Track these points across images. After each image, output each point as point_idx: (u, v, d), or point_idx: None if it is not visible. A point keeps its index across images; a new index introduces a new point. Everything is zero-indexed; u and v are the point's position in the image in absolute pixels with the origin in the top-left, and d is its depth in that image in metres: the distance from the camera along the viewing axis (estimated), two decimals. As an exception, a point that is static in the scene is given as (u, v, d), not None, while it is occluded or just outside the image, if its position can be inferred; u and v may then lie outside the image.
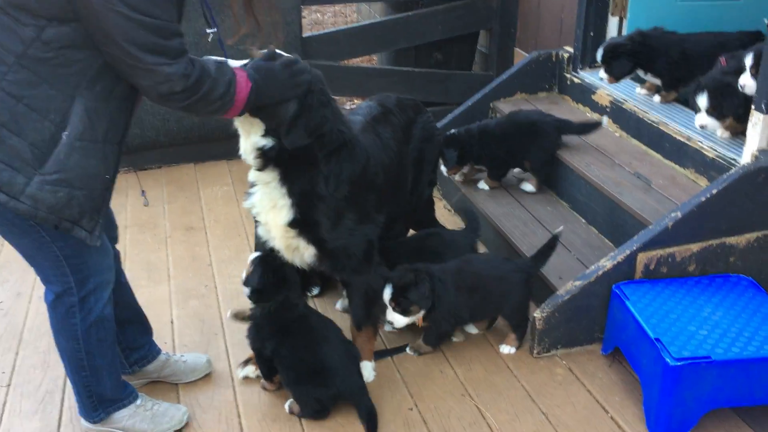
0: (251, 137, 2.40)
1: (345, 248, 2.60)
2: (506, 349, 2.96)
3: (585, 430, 2.56)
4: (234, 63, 2.24)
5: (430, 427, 2.59)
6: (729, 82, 3.06)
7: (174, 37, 2.00)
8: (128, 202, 4.29)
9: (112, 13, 1.88)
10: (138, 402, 2.56)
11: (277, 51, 2.38)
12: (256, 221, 2.68)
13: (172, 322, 3.21)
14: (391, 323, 2.77)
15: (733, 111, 3.09)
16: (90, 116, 2.03)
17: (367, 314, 2.78)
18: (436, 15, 4.95)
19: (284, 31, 4.59)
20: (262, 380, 2.78)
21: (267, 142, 2.38)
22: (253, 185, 2.58)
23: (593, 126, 3.73)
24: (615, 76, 3.72)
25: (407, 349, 2.95)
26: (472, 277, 2.86)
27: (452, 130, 3.74)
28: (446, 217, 4.07)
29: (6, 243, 3.91)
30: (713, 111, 3.11)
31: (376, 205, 2.71)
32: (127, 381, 2.60)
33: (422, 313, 2.75)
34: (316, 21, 8.03)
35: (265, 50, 2.36)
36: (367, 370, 2.81)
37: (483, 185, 3.88)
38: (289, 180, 2.47)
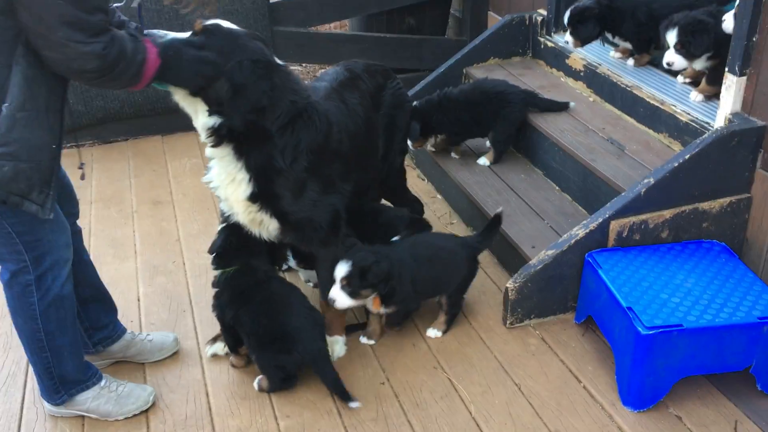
0: (199, 117, 2.32)
1: (309, 220, 2.53)
2: (433, 332, 2.86)
3: (558, 401, 2.54)
4: (156, 33, 2.18)
5: (402, 400, 2.56)
6: (701, 20, 3.02)
7: (96, 11, 1.88)
8: (93, 176, 4.17)
9: None
10: (102, 383, 2.50)
11: (220, 22, 2.28)
12: (217, 196, 2.60)
13: (138, 300, 3.14)
14: (333, 300, 2.57)
15: (702, 50, 3.04)
16: (29, 85, 1.93)
17: None
18: (407, -22, 4.82)
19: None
20: (231, 356, 2.73)
21: (215, 121, 2.30)
22: (210, 160, 2.50)
23: (561, 107, 3.65)
24: (581, 40, 3.66)
25: (361, 338, 2.86)
26: (429, 249, 2.78)
27: (414, 102, 3.64)
28: (420, 186, 4.01)
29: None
30: (681, 48, 3.07)
31: (342, 173, 2.62)
32: (90, 362, 2.54)
33: (372, 296, 2.62)
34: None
35: (209, 21, 2.26)
36: (339, 344, 2.77)
37: (453, 155, 3.80)
38: (244, 154, 2.39)
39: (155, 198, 3.99)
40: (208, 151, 2.44)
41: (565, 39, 3.73)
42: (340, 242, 2.67)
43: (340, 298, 2.55)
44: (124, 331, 2.72)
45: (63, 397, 2.45)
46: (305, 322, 2.54)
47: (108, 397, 2.48)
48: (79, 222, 2.56)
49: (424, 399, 2.56)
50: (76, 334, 2.42)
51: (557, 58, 4.05)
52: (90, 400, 2.46)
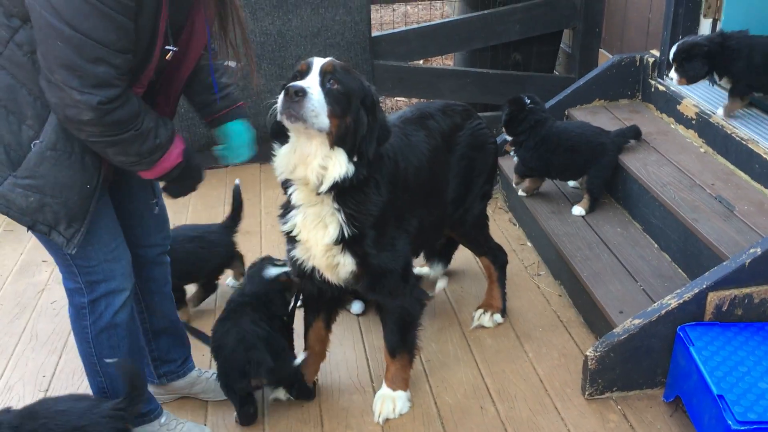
0: (334, 169, 2.21)
1: (387, 262, 2.43)
2: None
3: (634, 489, 2.30)
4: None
5: (462, 470, 2.41)
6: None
7: (100, 63, 1.78)
8: (190, 201, 4.29)
9: (36, 12, 1.76)
10: (162, 420, 2.49)
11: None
12: (291, 242, 2.52)
13: (214, 332, 3.16)
14: None
15: None
16: (65, 128, 1.93)
17: (402, 340, 2.61)
18: (515, 13, 4.67)
19: (352, 31, 4.45)
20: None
21: (352, 168, 2.22)
22: (294, 207, 2.40)
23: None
24: (687, 78, 3.38)
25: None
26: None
27: (522, 95, 3.59)
28: (511, 231, 3.83)
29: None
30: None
31: (410, 205, 2.53)
32: (154, 394, 2.54)
33: None
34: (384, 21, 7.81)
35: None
36: (401, 400, 2.64)
37: (578, 210, 3.52)
38: (343, 196, 2.31)
39: (245, 228, 4.00)
40: (298, 197, 2.34)
41: (669, 75, 3.46)
42: (408, 293, 2.56)
43: None
44: (192, 368, 2.73)
45: None
46: None
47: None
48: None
49: (487, 470, 2.40)
50: (135, 365, 2.43)
51: (668, 103, 3.77)
52: None
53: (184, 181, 2.21)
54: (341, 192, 2.29)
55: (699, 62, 3.28)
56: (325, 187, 2.23)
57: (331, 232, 2.36)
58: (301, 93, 2.10)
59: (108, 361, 2.28)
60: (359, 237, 2.38)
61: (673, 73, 3.41)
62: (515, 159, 3.65)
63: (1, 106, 1.91)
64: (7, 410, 2.20)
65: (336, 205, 2.32)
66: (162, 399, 2.61)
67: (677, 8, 3.72)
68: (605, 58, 4.68)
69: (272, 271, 2.72)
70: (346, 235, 2.36)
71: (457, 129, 2.82)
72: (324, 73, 2.19)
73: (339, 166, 2.22)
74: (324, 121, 2.15)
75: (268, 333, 2.58)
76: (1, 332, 3.18)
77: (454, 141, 2.79)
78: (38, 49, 1.82)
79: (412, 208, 2.56)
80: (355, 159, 2.24)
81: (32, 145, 1.94)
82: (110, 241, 2.21)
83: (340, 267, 2.45)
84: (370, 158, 2.26)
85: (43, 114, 1.93)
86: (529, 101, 3.53)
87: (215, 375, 2.74)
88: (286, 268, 2.68)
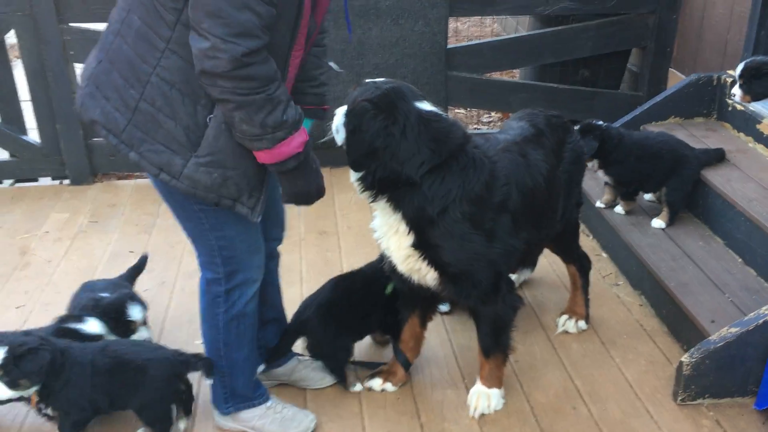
0: (350, 171, 2.40)
1: (468, 274, 2.48)
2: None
3: (733, 493, 2.34)
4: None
5: (560, 466, 2.46)
6: None
7: (245, 9, 1.81)
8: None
9: None
10: (268, 403, 2.59)
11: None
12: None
13: (301, 325, 3.25)
14: None
15: None
16: None
17: (496, 342, 2.67)
18: (587, 30, 4.75)
19: (429, 42, 4.57)
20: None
21: (358, 174, 2.37)
22: (374, 211, 2.54)
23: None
24: (753, 96, 3.46)
25: None
26: (113, 359, 2.45)
27: (593, 120, 3.57)
28: (584, 242, 3.86)
29: (154, 233, 4.13)
30: None
31: (510, 228, 2.52)
32: (259, 381, 2.64)
33: (33, 390, 2.35)
34: (455, 30, 7.97)
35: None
36: (496, 397, 2.71)
37: (619, 209, 3.69)
38: (399, 205, 2.40)
39: (321, 228, 4.14)
40: (370, 204, 2.46)
41: (733, 91, 3.54)
42: (500, 300, 2.60)
43: None
44: (293, 355, 2.82)
45: (230, 408, 2.56)
46: None
47: (273, 417, 2.56)
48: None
49: (584, 468, 2.46)
50: (252, 352, 2.53)
51: (747, 123, 3.82)
52: (256, 418, 2.56)
53: (297, 181, 2.16)
54: (397, 200, 2.39)
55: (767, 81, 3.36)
56: (357, 191, 2.41)
57: (404, 239, 2.46)
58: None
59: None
60: (430, 246, 2.44)
61: (737, 89, 3.52)
62: (604, 179, 3.71)
63: (175, 89, 2.01)
64: (28, 333, 2.45)
65: (397, 214, 2.41)
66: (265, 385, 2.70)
67: (759, 30, 3.79)
68: (674, 77, 4.76)
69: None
70: (419, 242, 2.43)
71: (562, 144, 2.86)
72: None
73: (353, 173, 2.39)
74: (339, 138, 2.40)
75: (347, 308, 2.76)
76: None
77: (561, 157, 2.83)
78: (189, 4, 1.87)
79: (516, 230, 2.54)
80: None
81: (207, 120, 2.02)
82: (254, 233, 2.32)
83: (422, 273, 2.52)
84: (360, 167, 2.34)
85: None
86: (598, 122, 3.57)
87: (313, 363, 2.84)
88: None
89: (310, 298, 2.85)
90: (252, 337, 2.49)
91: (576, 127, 3.39)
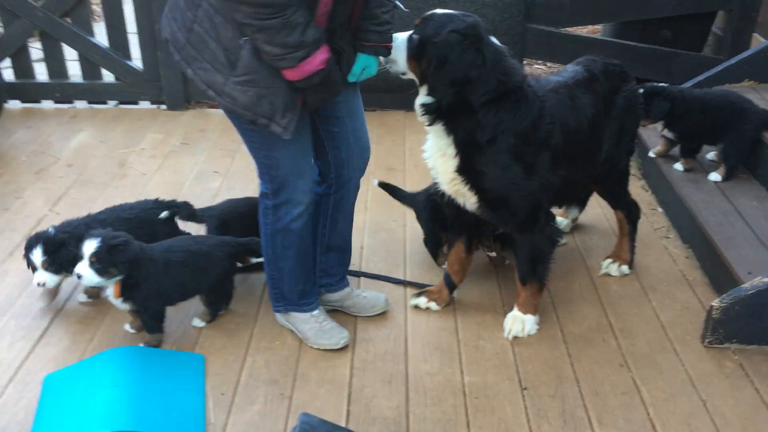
0: (419, 97, 2.62)
1: (507, 201, 2.69)
2: (197, 322, 2.94)
3: (744, 426, 2.49)
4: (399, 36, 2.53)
5: (582, 387, 2.66)
6: None
7: None
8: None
9: None
10: (314, 312, 2.86)
11: (437, 11, 2.58)
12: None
13: (362, 248, 3.53)
14: (79, 276, 2.60)
15: None
16: None
17: (532, 271, 2.88)
18: (671, -11, 4.75)
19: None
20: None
21: (428, 100, 2.58)
22: (428, 134, 2.77)
23: None
24: None
25: (126, 326, 2.90)
26: (181, 254, 2.81)
27: (661, 84, 3.66)
28: (642, 196, 3.99)
29: (237, 157, 4.46)
30: None
31: (549, 165, 2.71)
32: (309, 292, 2.86)
33: (117, 278, 2.64)
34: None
35: (429, 12, 2.56)
36: (530, 323, 2.92)
37: (678, 166, 3.78)
38: (453, 130, 2.62)
39: (390, 165, 4.39)
40: (424, 123, 2.68)
41: None
42: (538, 230, 2.80)
43: (87, 273, 2.59)
44: (347, 284, 3.05)
45: (279, 307, 2.88)
46: None
47: (312, 325, 2.83)
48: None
49: (605, 391, 2.65)
50: (300, 266, 2.77)
51: (821, 89, 3.80)
52: (299, 321, 2.85)
53: (322, 93, 2.40)
54: (452, 125, 2.61)
55: None
56: (418, 114, 2.63)
57: (450, 162, 2.68)
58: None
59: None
60: (475, 172, 2.66)
61: None
62: (662, 134, 3.80)
63: (219, 14, 2.24)
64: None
65: (449, 138, 2.64)
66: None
67: None
68: (758, 41, 4.69)
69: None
70: (463, 166, 2.65)
71: (616, 92, 2.99)
72: (415, 25, 2.57)
73: (419, 97, 2.62)
74: (400, 66, 2.61)
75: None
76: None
77: (612, 103, 2.97)
78: None
79: (555, 166, 2.73)
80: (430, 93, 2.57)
81: (242, 43, 2.25)
82: (300, 159, 2.58)
83: (465, 196, 2.75)
84: (433, 95, 2.54)
85: None
86: (658, 84, 3.65)
87: (364, 293, 3.08)
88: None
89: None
90: (299, 252, 2.74)
91: (640, 91, 3.46)
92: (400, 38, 2.59)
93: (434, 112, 2.61)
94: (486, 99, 2.55)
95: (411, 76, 2.64)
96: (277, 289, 2.85)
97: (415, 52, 2.57)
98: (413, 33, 2.59)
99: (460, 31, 2.51)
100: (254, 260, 3.03)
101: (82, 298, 3.10)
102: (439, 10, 2.61)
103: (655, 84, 3.66)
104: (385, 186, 3.55)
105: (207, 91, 2.39)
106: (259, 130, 2.44)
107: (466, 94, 2.54)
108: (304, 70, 2.26)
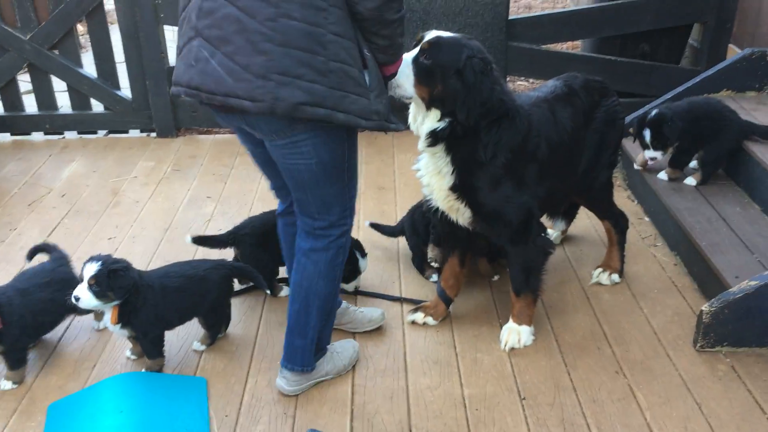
0: (426, 123, 2.65)
1: (500, 214, 2.76)
2: (198, 345, 2.97)
3: (738, 427, 2.55)
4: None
5: (579, 394, 2.72)
6: None
7: None
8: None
9: None
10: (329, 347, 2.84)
11: (440, 34, 2.61)
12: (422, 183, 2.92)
13: (356, 267, 3.59)
14: (77, 298, 2.59)
15: None
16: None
17: (526, 282, 2.94)
18: (648, 5, 4.86)
19: (491, 12, 4.79)
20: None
21: (441, 125, 2.63)
22: (421, 152, 2.82)
23: None
24: None
25: (128, 353, 2.94)
26: (178, 280, 2.83)
27: (652, 112, 3.73)
28: (628, 206, 4.07)
29: (229, 181, 4.48)
30: None
31: (536, 177, 2.81)
32: None
33: (114, 303, 2.65)
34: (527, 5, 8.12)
35: (429, 35, 2.59)
36: (526, 334, 2.98)
37: (663, 175, 3.87)
38: (453, 150, 2.69)
39: (380, 184, 4.46)
40: (421, 145, 2.72)
41: None
42: (530, 242, 2.87)
43: (85, 296, 2.58)
44: (341, 302, 3.06)
45: (311, 364, 2.68)
46: None
47: (327, 357, 2.78)
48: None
49: (602, 398, 2.70)
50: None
51: (797, 96, 3.92)
52: (324, 363, 2.75)
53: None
54: (451, 145, 2.67)
55: None
56: (421, 139, 2.67)
57: (446, 180, 2.75)
58: None
59: None
60: (471, 188, 2.73)
61: None
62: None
63: (346, 39, 2.18)
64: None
65: (447, 157, 2.70)
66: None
67: (815, 5, 3.86)
68: (733, 52, 4.82)
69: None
70: (459, 183, 2.72)
71: (596, 106, 3.09)
72: (422, 49, 2.58)
73: (428, 123, 2.63)
74: (407, 90, 2.58)
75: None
76: (178, 251, 3.71)
77: (592, 117, 3.07)
78: None
79: (541, 177, 2.83)
80: (447, 119, 2.60)
81: (368, 54, 2.25)
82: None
83: (459, 212, 2.83)
84: (463, 119, 2.58)
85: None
86: (654, 112, 3.72)
87: (360, 309, 3.11)
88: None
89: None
90: None
91: (648, 119, 3.65)
92: (404, 61, 2.54)
93: (445, 138, 2.65)
94: (490, 118, 2.63)
95: (417, 100, 2.63)
96: (319, 341, 2.68)
97: (425, 77, 2.57)
98: (421, 57, 2.57)
99: (477, 57, 2.55)
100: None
101: (96, 325, 3.12)
102: (442, 33, 2.62)
103: (649, 114, 3.72)
104: (374, 226, 3.70)
105: (361, 123, 2.25)
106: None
107: (482, 116, 2.60)
108: (395, 67, 2.41)
